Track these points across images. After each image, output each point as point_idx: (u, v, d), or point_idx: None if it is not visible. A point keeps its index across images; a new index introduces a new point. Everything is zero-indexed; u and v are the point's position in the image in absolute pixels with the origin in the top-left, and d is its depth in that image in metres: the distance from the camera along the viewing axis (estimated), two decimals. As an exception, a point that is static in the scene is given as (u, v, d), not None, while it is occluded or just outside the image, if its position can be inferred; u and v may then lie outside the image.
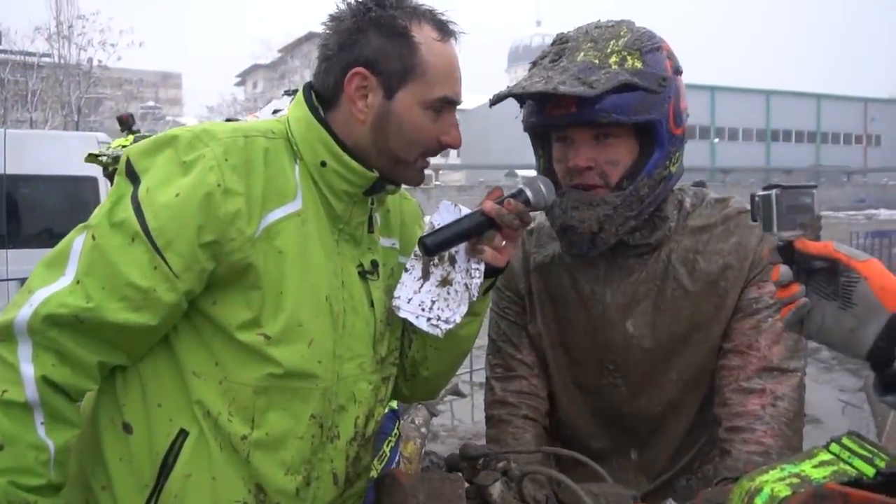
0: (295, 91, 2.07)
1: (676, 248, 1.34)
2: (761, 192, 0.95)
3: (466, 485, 1.18)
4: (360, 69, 1.12)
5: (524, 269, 1.47)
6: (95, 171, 6.79)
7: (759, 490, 0.77)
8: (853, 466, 0.78)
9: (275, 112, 1.92)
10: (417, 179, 1.20)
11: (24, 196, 6.85)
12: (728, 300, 1.31)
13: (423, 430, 2.77)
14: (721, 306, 1.31)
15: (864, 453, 0.79)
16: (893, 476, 0.76)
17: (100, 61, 29.20)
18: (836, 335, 0.89)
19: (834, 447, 0.82)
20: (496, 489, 1.16)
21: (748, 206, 1.28)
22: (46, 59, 29.08)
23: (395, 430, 2.12)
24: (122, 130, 2.78)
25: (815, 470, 0.78)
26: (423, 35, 1.13)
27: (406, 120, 1.13)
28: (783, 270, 0.92)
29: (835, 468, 0.78)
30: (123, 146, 2.68)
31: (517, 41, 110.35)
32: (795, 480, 0.76)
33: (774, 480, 0.77)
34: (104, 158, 2.66)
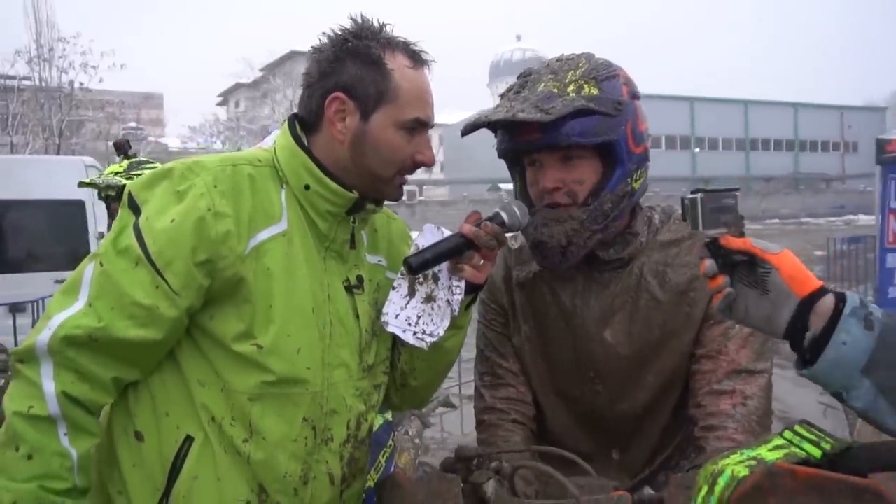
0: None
1: (647, 261, 1.43)
2: (689, 196, 1.06)
3: (462, 484, 1.26)
4: (339, 94, 1.22)
5: (507, 284, 1.56)
6: (82, 194, 6.83)
7: (721, 472, 0.86)
8: (803, 449, 0.87)
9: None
10: (396, 195, 1.30)
11: (11, 221, 6.84)
12: (697, 309, 1.41)
13: (417, 440, 2.84)
14: (691, 315, 1.40)
15: (813, 438, 0.88)
16: (836, 457, 0.85)
17: (81, 84, 29.08)
18: (758, 319, 1.01)
19: (787, 434, 0.91)
20: (490, 486, 1.24)
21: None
22: (27, 83, 28.91)
23: (391, 441, 2.19)
24: (118, 155, 2.85)
25: (769, 453, 0.87)
26: (396, 63, 1.23)
27: (381, 139, 1.23)
28: (709, 264, 1.04)
29: (787, 451, 0.87)
30: (117, 172, 2.73)
31: (498, 56, 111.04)
32: (753, 462, 0.85)
33: (735, 463, 0.86)
34: (100, 183, 2.72)
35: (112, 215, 2.70)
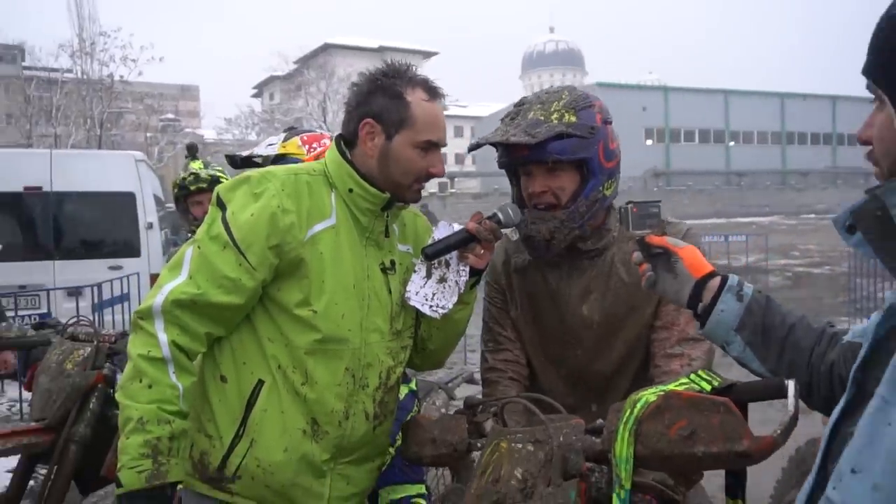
0: (291, 128, 2.57)
1: (618, 252, 1.79)
2: (623, 206, 1.44)
3: (468, 424, 1.63)
4: (369, 120, 1.60)
5: (506, 269, 1.93)
6: (132, 187, 7.34)
7: (639, 399, 1.22)
8: (698, 385, 1.23)
9: (269, 145, 2.41)
10: (414, 199, 1.69)
11: (68, 211, 7.31)
12: None
13: (443, 410, 3.23)
14: (650, 294, 1.75)
15: (707, 378, 1.24)
16: (723, 390, 1.21)
17: (121, 76, 29.87)
18: (671, 293, 1.38)
19: (692, 376, 1.26)
20: (488, 424, 1.62)
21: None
22: (69, 75, 29.72)
23: (416, 408, 2.56)
24: (187, 157, 3.33)
25: (675, 387, 1.23)
26: (415, 97, 1.60)
27: (402, 156, 1.60)
28: (636, 255, 1.42)
29: (687, 386, 1.23)
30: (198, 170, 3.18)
31: (531, 48, 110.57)
32: (661, 392, 1.21)
33: (649, 393, 1.22)
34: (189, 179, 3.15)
35: (184, 210, 3.15)
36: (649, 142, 49.18)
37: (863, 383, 0.77)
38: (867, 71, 0.82)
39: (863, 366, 0.82)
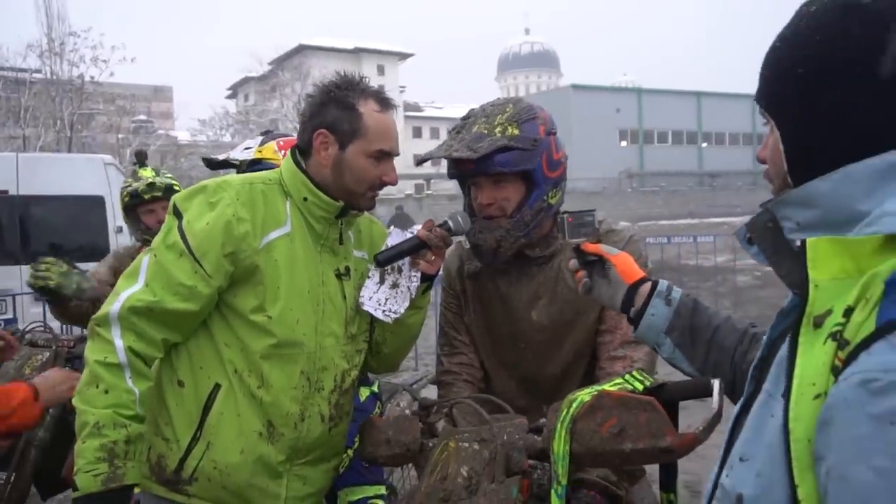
0: (268, 132, 2.60)
1: (564, 258, 1.84)
2: (560, 215, 1.50)
3: (421, 424, 1.68)
4: (323, 130, 1.65)
5: (460, 275, 1.98)
6: (102, 191, 7.28)
7: (575, 399, 1.28)
8: (631, 384, 1.29)
9: (246, 149, 2.43)
10: (368, 206, 1.74)
11: (36, 215, 7.21)
12: None
13: (407, 411, 3.28)
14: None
15: (640, 378, 1.31)
16: (654, 390, 1.28)
17: (92, 77, 29.44)
18: (606, 298, 1.45)
19: (626, 376, 1.33)
20: (440, 424, 1.68)
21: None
22: (38, 76, 29.22)
23: (376, 410, 2.61)
24: (136, 164, 3.25)
25: (609, 387, 1.29)
26: (367, 108, 1.65)
27: (355, 165, 1.65)
28: (573, 262, 1.48)
29: (621, 385, 1.30)
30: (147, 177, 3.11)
31: (506, 49, 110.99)
32: (595, 392, 1.28)
33: (584, 393, 1.29)
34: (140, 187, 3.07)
35: (135, 219, 3.03)
36: (623, 143, 49.68)
37: (759, 380, 0.84)
38: (756, 96, 0.89)
39: (759, 364, 0.88)
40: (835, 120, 0.78)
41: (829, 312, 0.70)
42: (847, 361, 0.65)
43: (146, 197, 2.98)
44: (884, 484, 0.60)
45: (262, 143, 2.42)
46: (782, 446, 0.69)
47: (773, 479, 0.70)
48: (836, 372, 0.66)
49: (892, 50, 0.74)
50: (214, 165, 2.43)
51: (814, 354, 0.70)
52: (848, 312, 0.68)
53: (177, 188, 3.08)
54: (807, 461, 0.67)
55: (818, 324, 0.71)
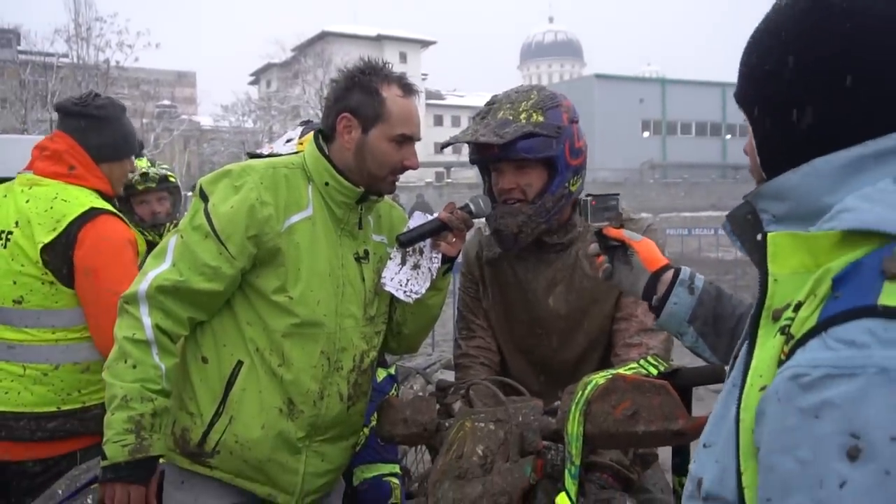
0: (308, 121, 2.60)
1: (582, 246, 1.85)
2: (582, 198, 1.48)
3: (438, 406, 1.71)
4: (346, 114, 1.68)
5: (479, 261, 2.01)
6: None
7: (590, 381, 1.31)
8: (646, 369, 1.32)
9: (288, 141, 2.41)
10: (389, 190, 1.77)
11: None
12: None
13: (420, 394, 3.33)
14: (612, 287, 1.83)
15: (654, 363, 1.33)
16: (669, 375, 1.30)
17: (117, 62, 29.77)
18: (627, 285, 1.44)
19: (640, 361, 1.35)
20: (457, 405, 1.71)
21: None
22: (65, 61, 29.59)
23: (393, 391, 2.64)
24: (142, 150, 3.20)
25: (623, 371, 1.32)
26: (390, 93, 1.68)
27: (377, 149, 1.68)
28: (593, 247, 1.47)
29: (635, 370, 1.32)
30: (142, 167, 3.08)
31: (530, 38, 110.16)
32: (609, 375, 1.30)
33: (599, 376, 1.31)
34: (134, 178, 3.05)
35: (129, 209, 2.96)
36: (646, 134, 49.23)
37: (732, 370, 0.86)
38: (735, 95, 0.90)
39: (736, 354, 0.90)
40: (801, 116, 0.78)
41: (788, 306, 0.72)
42: (788, 355, 0.67)
43: (140, 188, 2.96)
44: (806, 474, 0.62)
45: (302, 134, 2.42)
46: (734, 435, 0.72)
47: (726, 465, 0.73)
48: (780, 365, 0.68)
49: (859, 44, 0.74)
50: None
51: (767, 347, 0.72)
52: (797, 307, 0.70)
53: (171, 179, 3.08)
54: (751, 450, 0.70)
55: (776, 317, 0.73)
